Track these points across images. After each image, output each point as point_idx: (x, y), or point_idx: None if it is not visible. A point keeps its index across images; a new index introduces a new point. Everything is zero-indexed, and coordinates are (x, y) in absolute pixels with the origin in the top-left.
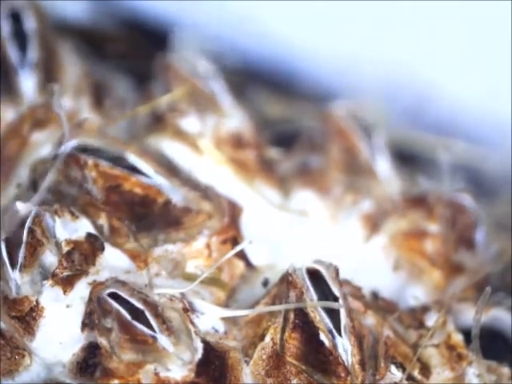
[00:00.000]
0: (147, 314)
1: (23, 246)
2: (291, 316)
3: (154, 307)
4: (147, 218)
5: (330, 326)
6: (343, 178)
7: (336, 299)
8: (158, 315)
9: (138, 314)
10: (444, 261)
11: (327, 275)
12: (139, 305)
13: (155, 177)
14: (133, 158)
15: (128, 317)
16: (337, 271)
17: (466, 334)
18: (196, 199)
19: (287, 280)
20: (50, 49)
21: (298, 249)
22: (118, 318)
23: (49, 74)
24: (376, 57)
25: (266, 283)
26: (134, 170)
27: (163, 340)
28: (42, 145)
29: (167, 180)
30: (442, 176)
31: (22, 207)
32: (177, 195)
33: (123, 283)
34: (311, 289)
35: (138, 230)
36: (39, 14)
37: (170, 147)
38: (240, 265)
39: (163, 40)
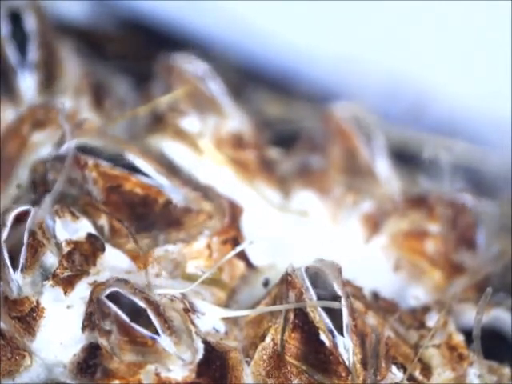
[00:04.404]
0: (149, 312)
1: (24, 247)
2: (291, 316)
3: (156, 306)
4: (148, 218)
5: (330, 325)
6: (343, 178)
7: (338, 298)
8: (160, 314)
9: (138, 314)
10: (445, 261)
11: (330, 274)
12: (141, 303)
13: (156, 177)
14: (133, 158)
15: (127, 319)
16: (339, 270)
17: (467, 334)
18: (197, 199)
19: (286, 280)
20: (50, 49)
21: (298, 249)
22: (117, 320)
23: (49, 74)
24: (376, 57)
25: (266, 283)
26: (135, 169)
27: (164, 340)
28: (41, 145)
29: (168, 180)
30: (442, 176)
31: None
32: (177, 195)
33: (125, 281)
34: (310, 288)
35: (138, 230)
36: (39, 14)
37: (171, 147)
38: (241, 265)
39: (163, 40)
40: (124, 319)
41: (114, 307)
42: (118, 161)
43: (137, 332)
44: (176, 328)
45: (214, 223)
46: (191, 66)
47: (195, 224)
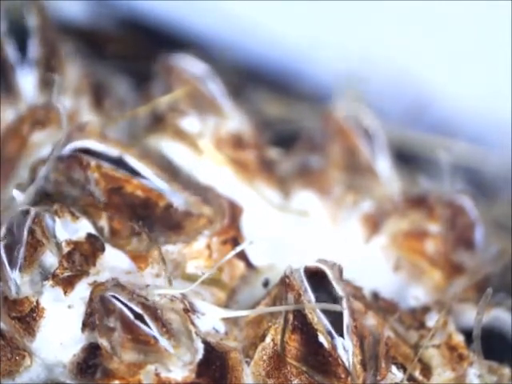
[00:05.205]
0: (146, 318)
1: (23, 246)
2: (290, 318)
3: (153, 311)
4: (148, 220)
5: (329, 327)
6: (343, 178)
7: (339, 299)
8: (158, 319)
9: (139, 314)
10: (444, 261)
11: (331, 275)
12: (138, 309)
13: (156, 181)
14: (134, 162)
15: (131, 316)
16: (340, 271)
17: (467, 334)
18: (197, 203)
19: (285, 282)
20: (50, 49)
21: (298, 249)
22: (121, 318)
23: (50, 72)
24: (377, 57)
25: (266, 284)
26: (135, 173)
27: (163, 343)
28: (41, 145)
29: (168, 185)
30: (442, 176)
31: (19, 196)
32: (178, 199)
33: (122, 287)
34: (309, 290)
35: (138, 232)
36: (41, 12)
37: (170, 147)
38: (240, 265)
39: (163, 40)
40: (128, 316)
41: (119, 304)
42: (119, 164)
43: (140, 330)
44: (175, 331)
45: (214, 226)
46: (191, 66)
47: (195, 228)
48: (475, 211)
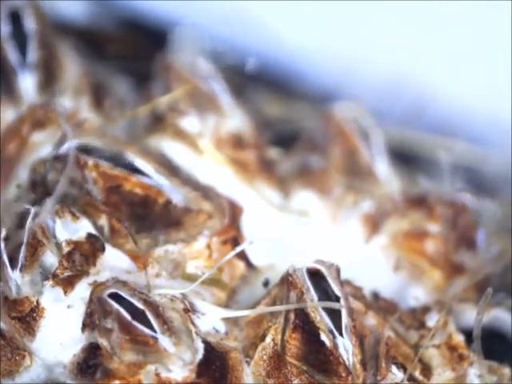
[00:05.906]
0: (148, 314)
1: (24, 246)
2: (292, 316)
3: (154, 307)
4: (147, 218)
5: (331, 326)
6: (343, 178)
7: (337, 299)
8: (159, 315)
9: (138, 315)
10: (445, 261)
11: (329, 275)
12: (140, 305)
13: (156, 177)
14: (133, 158)
15: (128, 317)
16: (338, 271)
17: (467, 334)
18: (196, 199)
19: (287, 280)
20: (50, 49)
21: (298, 249)
22: (119, 319)
23: (49, 74)
24: (376, 57)
25: (266, 283)
26: (135, 170)
27: (164, 340)
28: (41, 145)
29: (168, 180)
30: (442, 176)
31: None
32: (177, 195)
33: (124, 283)
34: (311, 289)
35: (138, 230)
36: (39, 14)
37: (170, 147)
38: (240, 265)
39: (163, 40)
40: (126, 317)
41: (115, 305)
42: (117, 161)
43: (138, 331)
44: (176, 328)
45: (214, 223)
46: (190, 65)
47: (195, 224)
48: (477, 209)
